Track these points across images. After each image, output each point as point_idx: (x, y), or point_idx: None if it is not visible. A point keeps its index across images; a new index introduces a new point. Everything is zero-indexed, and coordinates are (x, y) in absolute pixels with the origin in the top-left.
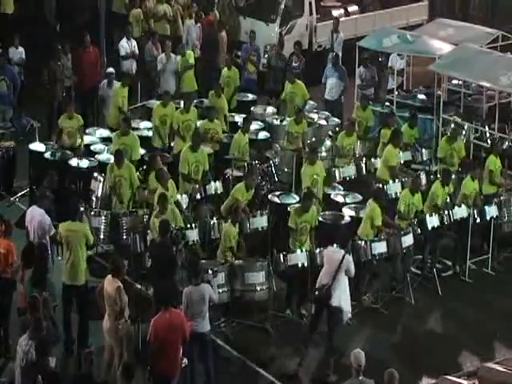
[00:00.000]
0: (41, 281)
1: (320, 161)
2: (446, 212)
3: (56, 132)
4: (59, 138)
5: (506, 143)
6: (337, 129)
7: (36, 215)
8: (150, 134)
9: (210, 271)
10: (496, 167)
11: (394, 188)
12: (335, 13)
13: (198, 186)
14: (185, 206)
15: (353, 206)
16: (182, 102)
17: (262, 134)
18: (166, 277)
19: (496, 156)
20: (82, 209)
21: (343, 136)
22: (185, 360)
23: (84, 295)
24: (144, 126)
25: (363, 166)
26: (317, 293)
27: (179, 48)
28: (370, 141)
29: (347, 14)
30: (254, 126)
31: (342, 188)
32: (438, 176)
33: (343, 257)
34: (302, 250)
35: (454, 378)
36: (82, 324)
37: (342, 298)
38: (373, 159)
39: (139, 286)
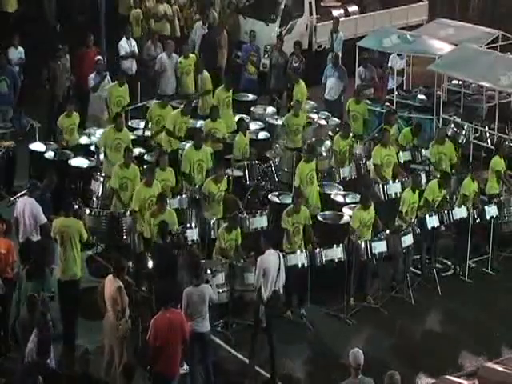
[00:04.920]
0: (38, 272)
1: (316, 160)
2: (446, 212)
3: (57, 133)
4: (61, 138)
5: (506, 143)
6: (337, 129)
7: (27, 205)
8: (149, 133)
9: (208, 271)
10: (501, 168)
11: (394, 188)
12: (335, 13)
13: (197, 187)
14: (185, 206)
15: (353, 205)
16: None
17: (262, 134)
18: (167, 278)
19: (500, 157)
20: (76, 206)
21: (338, 139)
22: (185, 366)
23: (78, 290)
24: (144, 126)
25: (363, 165)
26: (270, 305)
27: (183, 49)
28: (368, 141)
29: (347, 14)
30: (254, 126)
31: (341, 188)
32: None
33: (279, 257)
34: (302, 251)
35: (454, 378)
36: (69, 318)
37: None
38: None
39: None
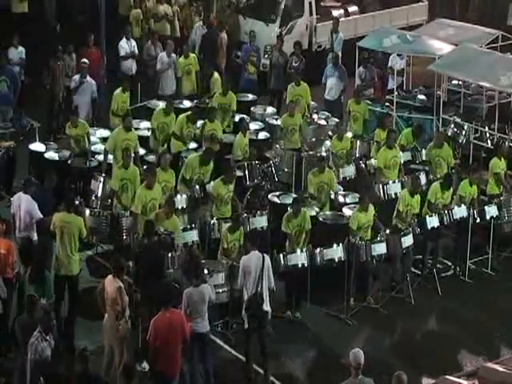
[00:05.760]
0: (38, 274)
1: (328, 168)
2: (446, 212)
3: (62, 138)
4: (68, 145)
5: (506, 143)
6: (335, 129)
7: (23, 201)
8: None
9: (206, 271)
10: (500, 169)
11: (394, 188)
12: (335, 13)
13: (197, 187)
14: (184, 206)
15: (353, 206)
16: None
17: (262, 134)
18: (154, 278)
19: (499, 158)
20: (77, 202)
21: (335, 140)
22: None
23: (76, 286)
24: (144, 126)
25: (363, 166)
26: (250, 306)
27: (184, 49)
28: (367, 142)
29: (347, 14)
30: (254, 126)
31: (341, 188)
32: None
33: (263, 258)
34: (302, 251)
35: (454, 378)
36: (70, 314)
37: (267, 301)
38: (373, 160)
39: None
